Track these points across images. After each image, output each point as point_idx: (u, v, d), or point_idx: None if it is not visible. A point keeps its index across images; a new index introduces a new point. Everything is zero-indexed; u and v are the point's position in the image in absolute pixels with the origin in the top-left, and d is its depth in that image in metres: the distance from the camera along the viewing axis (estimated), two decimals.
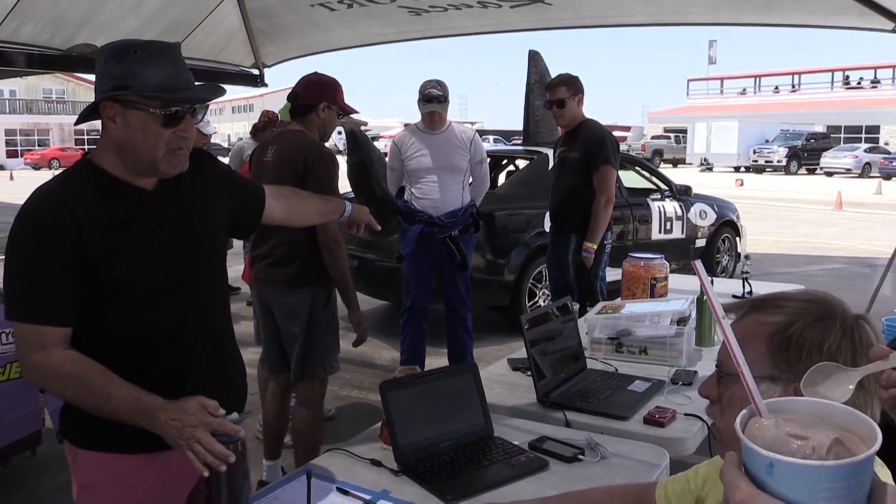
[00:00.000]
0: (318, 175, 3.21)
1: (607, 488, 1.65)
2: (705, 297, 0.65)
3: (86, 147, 42.38)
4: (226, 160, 7.39)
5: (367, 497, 1.78)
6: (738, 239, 8.95)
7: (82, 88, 48.77)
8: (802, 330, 1.17)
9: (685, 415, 2.30)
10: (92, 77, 1.66)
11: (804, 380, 0.60)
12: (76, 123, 1.76)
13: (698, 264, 0.64)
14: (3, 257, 1.60)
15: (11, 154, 44.77)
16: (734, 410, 1.21)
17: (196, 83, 1.68)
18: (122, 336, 1.68)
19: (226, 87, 1.91)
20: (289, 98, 3.45)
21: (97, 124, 1.67)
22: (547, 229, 6.11)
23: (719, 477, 0.58)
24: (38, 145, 46.37)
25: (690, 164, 40.91)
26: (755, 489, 0.55)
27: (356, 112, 3.65)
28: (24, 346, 1.61)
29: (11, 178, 30.67)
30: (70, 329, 1.62)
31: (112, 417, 1.60)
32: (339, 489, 1.82)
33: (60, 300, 1.59)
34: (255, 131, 7.33)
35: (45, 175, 31.74)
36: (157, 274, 1.69)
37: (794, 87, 52.85)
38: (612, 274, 4.82)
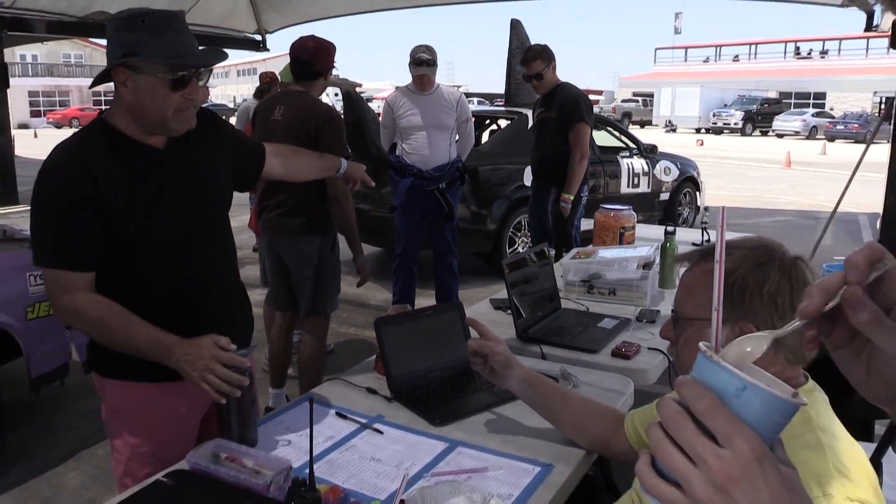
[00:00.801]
0: (331, 135, 3.20)
1: (590, 401, 1.67)
2: (717, 240, 0.65)
3: (103, 107, 41.70)
4: (233, 120, 7.27)
5: (364, 420, 1.79)
6: (698, 193, 8.96)
7: (99, 53, 47.71)
8: (745, 275, 1.18)
9: (648, 349, 2.32)
10: (106, 43, 1.61)
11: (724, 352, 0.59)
12: (90, 87, 1.72)
13: (724, 211, 0.62)
14: (29, 208, 1.58)
15: (35, 114, 43.99)
16: (690, 349, 1.22)
17: (200, 48, 1.64)
18: (141, 282, 1.67)
19: (230, 51, 1.88)
20: (299, 63, 3.36)
21: (113, 86, 1.63)
22: (526, 183, 6.10)
23: (675, 389, 0.57)
24: (59, 106, 45.52)
25: (656, 125, 40.73)
26: (720, 401, 0.54)
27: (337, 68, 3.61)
28: (53, 290, 1.61)
29: (35, 136, 30.09)
30: (93, 274, 1.61)
31: (132, 353, 1.59)
32: (338, 414, 1.83)
33: (83, 248, 1.58)
34: (260, 93, 7.21)
35: (66, 133, 31.01)
36: (170, 226, 1.67)
37: (751, 56, 52.40)
38: (586, 224, 4.82)
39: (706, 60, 54.96)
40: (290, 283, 3.45)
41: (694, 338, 1.23)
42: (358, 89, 6.25)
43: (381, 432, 1.73)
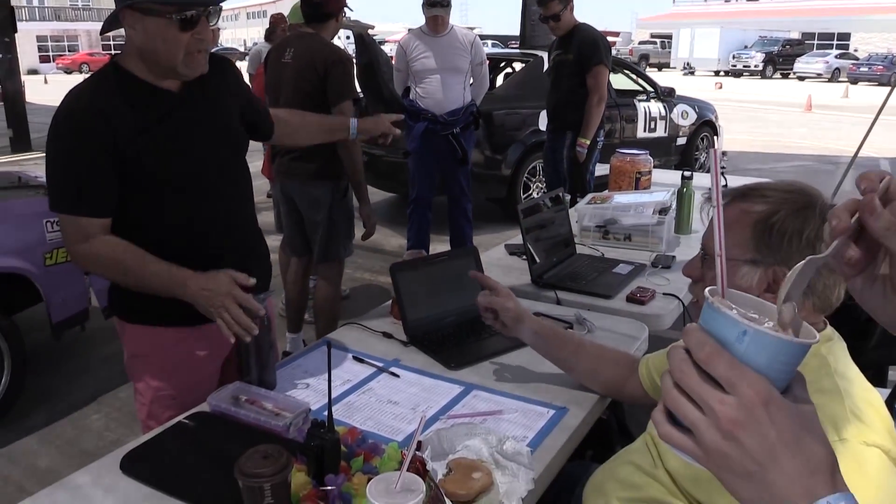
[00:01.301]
0: (338, 76, 3.17)
1: (603, 348, 1.69)
2: (712, 184, 0.64)
3: (113, 52, 41.30)
4: (243, 64, 7.18)
5: (380, 364, 1.82)
6: (716, 138, 8.83)
7: None
8: (784, 218, 1.16)
9: (663, 294, 2.32)
10: None
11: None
12: (101, 33, 1.70)
13: (719, 152, 0.62)
14: (44, 155, 1.58)
15: (44, 59, 43.70)
16: None
17: None
18: (157, 226, 1.68)
19: None
20: (309, 5, 3.31)
21: (121, 30, 1.61)
22: (541, 127, 6.04)
23: (682, 337, 0.57)
24: (69, 51, 45.18)
25: (674, 68, 39.96)
26: (721, 347, 0.55)
27: (351, 10, 3.55)
28: (69, 236, 1.62)
29: (45, 81, 29.97)
30: (109, 220, 1.62)
31: (149, 291, 1.61)
32: (354, 358, 1.86)
33: (99, 193, 1.58)
34: (269, 35, 7.11)
35: (76, 78, 30.90)
36: (185, 168, 1.66)
37: None
38: (601, 169, 4.78)
39: (727, 0, 53.50)
40: (304, 229, 3.47)
41: None
42: (370, 31, 6.14)
43: (398, 376, 1.76)
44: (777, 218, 1.16)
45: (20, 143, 11.87)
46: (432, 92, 4.66)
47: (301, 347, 3.58)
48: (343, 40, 16.47)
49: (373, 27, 6.14)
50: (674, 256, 2.65)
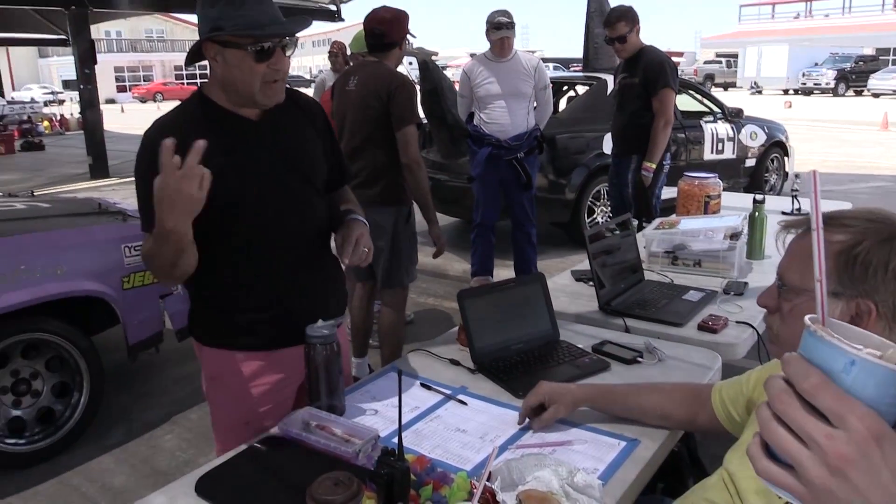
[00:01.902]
0: (401, 100, 3.22)
1: (667, 390, 1.64)
2: (812, 206, 0.61)
3: (184, 81, 43.13)
4: (309, 91, 7.37)
5: (448, 392, 1.82)
6: (786, 159, 8.59)
7: (179, 28, 49.11)
8: (869, 249, 1.11)
9: (736, 322, 2.26)
10: (188, 17, 1.67)
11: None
12: (186, 64, 1.77)
13: (816, 174, 0.60)
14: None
15: (121, 89, 45.75)
16: (797, 320, 1.17)
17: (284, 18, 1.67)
18: (232, 251, 1.72)
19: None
20: (372, 36, 3.38)
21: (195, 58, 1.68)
22: (606, 151, 5.99)
23: (782, 367, 0.56)
24: (144, 80, 47.17)
25: (741, 87, 39.13)
26: (827, 378, 0.53)
27: (414, 36, 3.60)
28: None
29: (122, 110, 31.36)
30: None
31: (163, 264, 1.60)
32: (422, 384, 1.86)
33: None
34: (332, 62, 7.28)
35: (151, 107, 32.56)
36: (258, 194, 1.71)
37: (844, 11, 49.48)
38: (668, 192, 4.71)
39: (796, 17, 52.26)
40: None
41: (802, 309, 1.18)
42: (433, 57, 6.23)
43: (466, 403, 1.76)
44: (861, 249, 1.12)
45: (99, 169, 12.42)
46: (496, 117, 4.68)
47: (367, 372, 3.61)
48: (406, 66, 16.74)
49: (436, 53, 6.23)
50: (746, 283, 2.58)
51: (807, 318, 0.57)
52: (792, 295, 1.20)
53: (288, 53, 1.67)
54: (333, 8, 12.81)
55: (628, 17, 4.48)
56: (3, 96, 28.48)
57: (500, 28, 4.54)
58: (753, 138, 7.94)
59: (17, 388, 3.19)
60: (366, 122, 3.28)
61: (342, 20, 12.98)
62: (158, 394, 3.87)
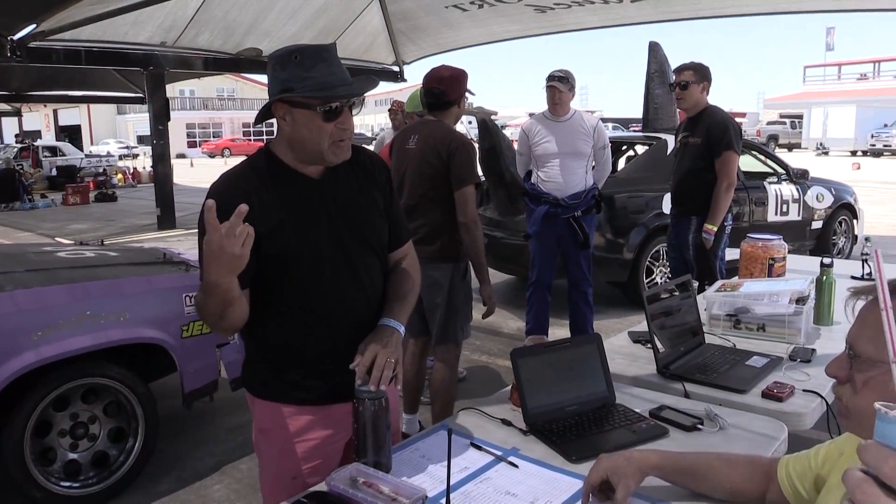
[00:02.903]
0: (461, 160, 3.25)
1: (732, 462, 1.56)
2: (876, 279, 0.58)
3: (252, 138, 44.73)
4: (371, 147, 7.55)
5: (499, 453, 1.77)
6: (855, 221, 8.34)
7: (249, 87, 51.14)
8: None
9: (804, 391, 2.16)
10: (257, 77, 1.73)
11: None
12: (254, 124, 1.83)
13: (878, 253, 0.58)
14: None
15: (191, 144, 47.68)
16: (871, 393, 1.11)
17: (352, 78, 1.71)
18: (283, 305, 1.74)
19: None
20: (431, 95, 3.43)
21: (259, 116, 1.73)
22: (665, 210, 5.92)
23: (858, 456, 0.52)
24: (213, 136, 49.09)
25: (805, 148, 38.46)
26: None
27: (473, 94, 3.64)
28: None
29: (192, 165, 32.61)
30: (248, 290, 1.68)
31: (223, 323, 1.63)
32: (473, 444, 1.82)
33: None
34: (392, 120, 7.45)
35: (219, 162, 33.80)
36: (315, 252, 1.72)
37: None
38: (731, 254, 4.60)
39: (862, 77, 51.34)
40: (422, 309, 3.50)
41: (877, 382, 1.11)
42: (493, 116, 6.32)
43: (517, 466, 1.71)
44: None
45: (166, 221, 12.87)
46: (554, 176, 4.69)
47: (417, 429, 3.57)
48: (465, 125, 17.06)
49: (496, 113, 6.31)
50: (814, 350, 2.48)
51: (877, 403, 0.54)
52: (866, 366, 1.13)
53: (355, 112, 1.71)
54: (396, 69, 13.18)
55: (697, 69, 4.45)
56: (82, 150, 29.98)
57: (551, 80, 4.61)
58: (820, 200, 7.75)
59: (76, 431, 3.26)
60: (424, 179, 3.32)
61: (405, 80, 13.34)
62: (210, 443, 3.89)
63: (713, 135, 4.37)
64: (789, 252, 3.52)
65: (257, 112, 1.76)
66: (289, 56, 1.64)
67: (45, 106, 37.36)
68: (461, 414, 2.05)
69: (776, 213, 7.30)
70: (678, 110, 7.43)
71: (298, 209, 1.71)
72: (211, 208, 1.43)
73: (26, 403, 3.03)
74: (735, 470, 1.52)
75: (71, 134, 41.83)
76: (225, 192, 1.66)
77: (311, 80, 1.62)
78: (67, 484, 3.20)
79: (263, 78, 1.79)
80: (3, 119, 32.90)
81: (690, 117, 4.58)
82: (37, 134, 39.69)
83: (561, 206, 4.67)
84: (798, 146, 39.36)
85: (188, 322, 3.45)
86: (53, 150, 24.29)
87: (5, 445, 2.99)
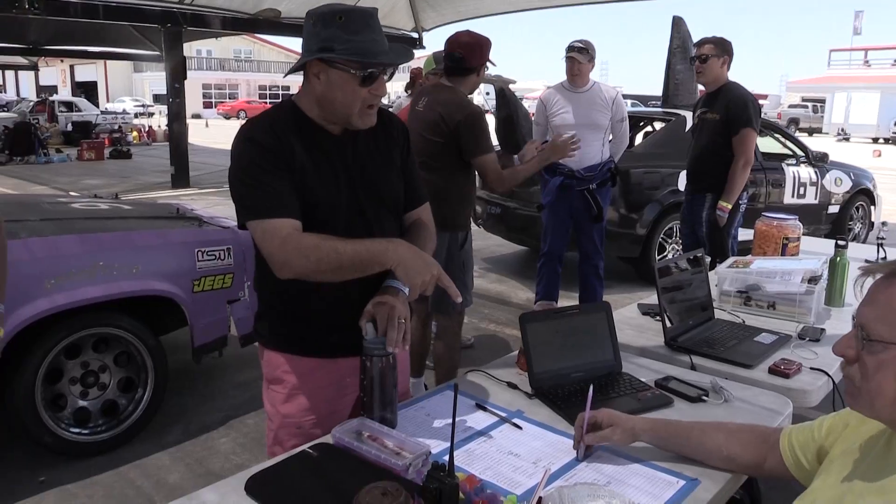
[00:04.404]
0: (474, 131, 3.21)
1: (732, 430, 1.57)
2: None
3: (268, 101, 44.54)
4: None
5: (503, 414, 1.79)
6: (872, 208, 8.26)
7: (266, 49, 50.83)
8: None
9: (811, 369, 2.16)
10: (274, 39, 1.72)
11: None
12: (286, 75, 1.82)
13: None
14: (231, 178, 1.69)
15: (207, 105, 47.59)
16: (885, 374, 1.10)
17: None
18: None
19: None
20: (451, 59, 3.38)
21: (277, 80, 1.73)
22: (680, 188, 5.88)
23: None
24: (229, 98, 48.96)
25: (826, 133, 37.97)
26: None
27: (494, 65, 3.60)
28: (268, 241, 1.64)
29: (207, 125, 32.60)
30: (300, 222, 1.66)
31: (348, 272, 1.66)
32: (478, 405, 1.84)
33: (288, 197, 1.65)
34: (409, 87, 7.40)
35: (234, 123, 33.76)
36: (330, 202, 1.72)
37: None
38: (743, 234, 4.57)
39: (894, 64, 50.38)
40: None
41: (891, 364, 1.10)
42: (510, 85, 6.26)
43: (521, 427, 1.72)
44: None
45: (180, 179, 12.91)
46: None
47: (422, 391, 3.60)
48: (483, 96, 16.83)
49: (514, 81, 6.24)
50: (823, 329, 2.47)
51: None
52: (879, 348, 1.11)
53: (387, 79, 1.72)
54: (415, 35, 13.07)
55: (719, 44, 4.38)
56: (98, 107, 30.00)
57: (570, 50, 4.58)
58: (838, 184, 7.67)
59: (86, 379, 3.31)
60: (427, 144, 3.26)
61: (423, 48, 13.23)
62: (218, 397, 3.94)
63: (732, 111, 4.32)
64: (804, 235, 3.50)
65: (274, 74, 1.75)
66: (333, 16, 1.63)
67: (61, 61, 37.39)
68: (468, 376, 2.06)
69: (793, 196, 7.24)
70: (699, 87, 7.35)
71: (318, 161, 1.72)
72: None
73: (38, 350, 3.08)
74: (734, 436, 1.53)
75: (87, 90, 41.89)
76: (262, 135, 1.67)
77: (353, 43, 1.62)
78: (77, 430, 3.26)
79: (281, 40, 1.79)
80: (20, 73, 32.92)
81: (710, 93, 4.52)
82: (53, 89, 39.74)
83: (576, 177, 4.64)
84: (819, 130, 38.85)
85: (200, 277, 3.48)
86: (69, 106, 24.35)
87: (18, 390, 3.05)
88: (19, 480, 3.07)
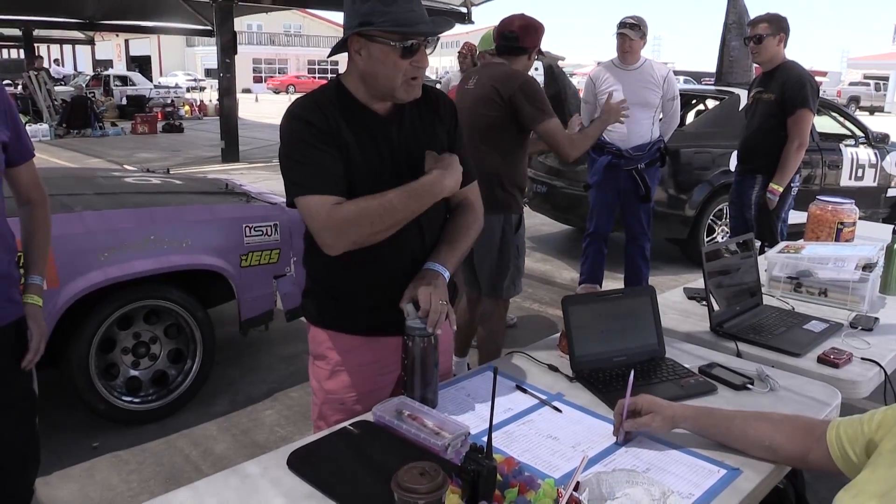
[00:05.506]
0: (531, 98, 3.14)
1: (777, 421, 1.54)
2: None
3: (317, 76, 44.82)
4: None
5: (544, 397, 1.79)
6: None
7: (315, 24, 51.01)
8: None
9: (862, 359, 2.10)
10: (324, 13, 1.71)
11: None
12: (329, 56, 1.82)
13: None
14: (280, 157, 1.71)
15: (257, 80, 48.13)
16: None
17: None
18: None
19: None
20: (504, 37, 3.34)
21: (326, 54, 1.73)
22: (732, 168, 5.74)
23: None
24: (278, 73, 49.37)
25: (889, 112, 36.61)
26: None
27: (544, 54, 3.53)
28: (317, 217, 1.65)
29: (256, 100, 32.97)
30: (345, 199, 1.67)
31: (402, 222, 1.69)
32: (518, 387, 1.84)
33: (334, 173, 1.67)
34: (461, 63, 7.35)
35: (283, 98, 34.07)
36: (375, 181, 1.71)
37: None
38: (795, 217, 4.46)
39: None
40: (472, 260, 3.42)
41: None
42: (560, 63, 6.17)
43: (560, 411, 1.72)
44: None
45: (230, 154, 13.10)
46: (618, 126, 4.55)
47: (465, 371, 3.62)
48: (532, 72, 16.58)
49: (563, 58, 6.15)
50: (877, 318, 2.40)
51: None
52: None
53: (428, 52, 1.71)
54: (464, 10, 12.97)
55: (773, 21, 4.23)
56: (151, 81, 30.57)
57: (622, 27, 4.49)
58: None
59: (138, 350, 3.41)
60: (479, 121, 3.19)
61: (472, 23, 13.12)
62: (264, 370, 4.02)
63: (788, 91, 4.18)
64: (861, 218, 3.40)
65: (323, 49, 1.76)
66: None
67: (117, 36, 38.07)
68: (509, 357, 2.07)
69: (850, 178, 7.01)
70: (754, 65, 7.14)
71: (363, 141, 1.73)
72: None
73: (92, 320, 3.18)
74: (778, 427, 1.50)
75: (141, 64, 42.63)
76: (310, 114, 1.68)
77: (391, 15, 1.61)
78: (129, 399, 3.37)
79: (331, 14, 1.79)
80: (77, 47, 33.67)
81: (766, 72, 4.38)
82: (108, 63, 40.56)
83: (624, 157, 4.58)
84: (881, 109, 37.48)
85: (247, 252, 3.54)
86: (124, 80, 24.86)
87: (73, 359, 3.16)
88: (75, 445, 3.19)
